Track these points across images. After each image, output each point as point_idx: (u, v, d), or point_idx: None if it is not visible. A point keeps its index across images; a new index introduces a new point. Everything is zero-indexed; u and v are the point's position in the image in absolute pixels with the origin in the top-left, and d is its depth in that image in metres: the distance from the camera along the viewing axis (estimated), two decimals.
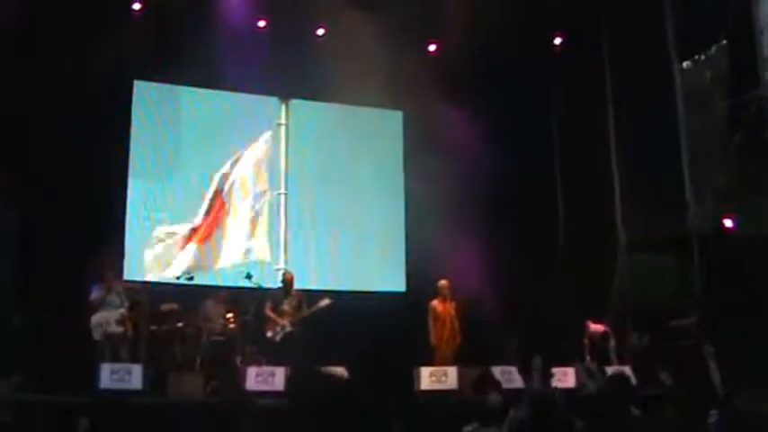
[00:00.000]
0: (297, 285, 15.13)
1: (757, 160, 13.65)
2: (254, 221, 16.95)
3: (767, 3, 13.85)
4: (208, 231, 16.53)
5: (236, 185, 16.81)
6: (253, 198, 16.96)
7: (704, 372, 12.99)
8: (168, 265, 16.10)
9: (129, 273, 15.73)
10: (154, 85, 17.26)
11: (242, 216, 16.85)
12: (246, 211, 16.85)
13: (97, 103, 15.06)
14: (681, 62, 15.84)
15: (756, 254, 13.46)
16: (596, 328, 15.62)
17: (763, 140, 13.54)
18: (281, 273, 15.83)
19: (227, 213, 16.67)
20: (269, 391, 12.40)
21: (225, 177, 16.74)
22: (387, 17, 15.52)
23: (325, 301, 14.60)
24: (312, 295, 14.91)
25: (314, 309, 14.47)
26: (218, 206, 16.56)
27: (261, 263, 16.59)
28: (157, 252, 16.12)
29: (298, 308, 14.51)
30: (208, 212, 16.49)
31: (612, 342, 15.49)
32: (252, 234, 16.91)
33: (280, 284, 15.09)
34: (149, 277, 15.86)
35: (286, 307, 14.51)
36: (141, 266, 16.03)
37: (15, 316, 13.21)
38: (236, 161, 16.94)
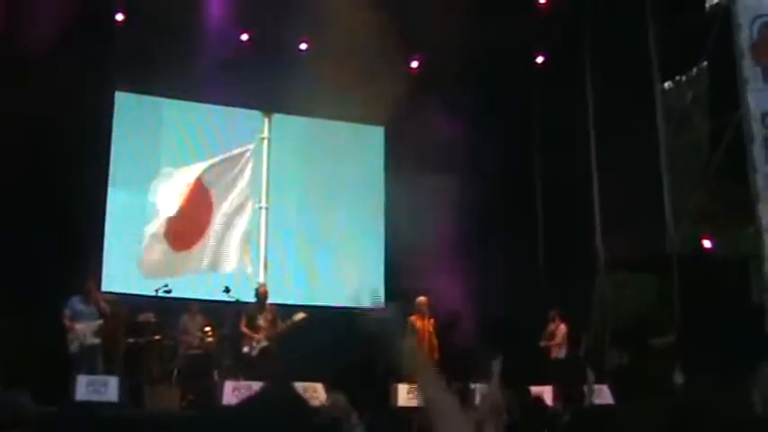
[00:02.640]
0: (276, 300, 15.10)
1: (737, 181, 13.71)
2: (235, 234, 16.90)
3: (747, 26, 13.93)
4: (188, 241, 16.45)
5: (218, 199, 16.76)
6: (234, 212, 16.92)
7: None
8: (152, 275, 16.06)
9: (108, 284, 15.68)
10: (135, 96, 17.23)
11: (223, 229, 16.79)
12: (227, 225, 16.79)
13: (78, 113, 15.01)
14: (662, 83, 15.92)
15: (734, 274, 13.52)
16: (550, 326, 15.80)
17: (742, 161, 13.60)
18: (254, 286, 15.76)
19: (208, 225, 16.60)
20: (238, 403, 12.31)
21: (206, 189, 16.69)
22: (369, 33, 15.53)
23: (300, 315, 14.55)
24: (289, 309, 14.87)
25: (289, 323, 14.40)
26: (197, 211, 16.49)
27: (240, 276, 16.54)
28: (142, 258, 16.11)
29: (273, 322, 14.46)
30: (183, 213, 16.36)
31: (558, 327, 15.63)
32: (233, 247, 16.86)
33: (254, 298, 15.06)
34: (128, 289, 15.78)
35: (261, 322, 14.43)
36: (119, 278, 15.97)
37: None
38: (216, 173, 16.90)
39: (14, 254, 14.16)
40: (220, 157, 16.70)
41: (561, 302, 15.95)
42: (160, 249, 15.51)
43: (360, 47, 15.49)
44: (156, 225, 15.53)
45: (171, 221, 15.58)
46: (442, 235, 16.06)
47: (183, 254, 15.89)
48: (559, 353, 15.68)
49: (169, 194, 15.92)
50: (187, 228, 15.90)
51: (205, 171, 16.30)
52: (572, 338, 15.74)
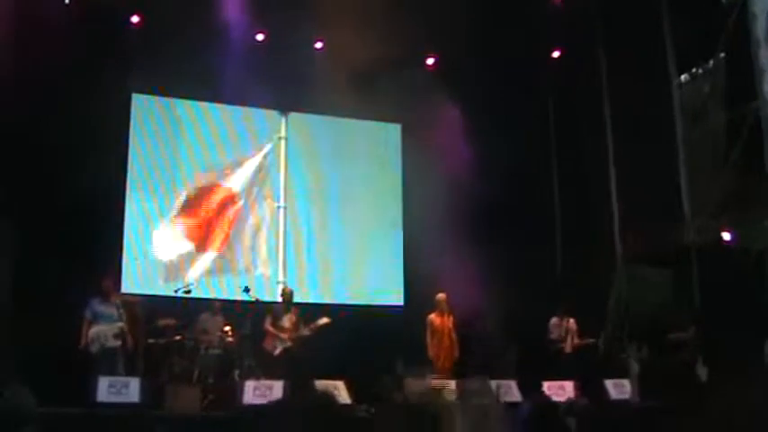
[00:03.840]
0: (295, 299, 15.15)
1: (755, 173, 13.64)
2: (254, 234, 16.96)
3: (764, 16, 13.85)
4: (208, 245, 16.55)
5: (236, 199, 16.82)
6: (253, 212, 16.97)
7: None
8: (171, 277, 16.15)
9: (127, 285, 15.76)
10: (153, 98, 17.29)
11: (242, 229, 16.87)
12: (246, 225, 16.85)
13: (96, 115, 15.06)
14: (679, 75, 15.86)
15: (754, 267, 13.45)
16: (553, 321, 15.74)
17: (760, 153, 13.53)
18: (280, 287, 15.80)
19: (227, 226, 16.67)
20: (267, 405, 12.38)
21: (226, 189, 16.76)
22: (385, 30, 15.52)
23: (324, 320, 14.65)
24: (310, 311, 14.91)
25: (312, 327, 14.48)
26: (214, 213, 16.56)
27: (260, 276, 16.61)
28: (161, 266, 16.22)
29: (296, 325, 14.51)
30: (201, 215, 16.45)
31: (565, 324, 15.61)
32: (252, 247, 16.94)
33: (278, 298, 15.10)
34: (148, 290, 15.86)
35: (286, 323, 14.53)
36: (139, 279, 16.06)
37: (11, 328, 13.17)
38: (234, 174, 16.97)
39: (35, 255, 14.24)
40: (238, 159, 16.80)
41: (579, 297, 15.92)
42: (181, 251, 15.64)
43: (375, 45, 15.48)
44: (177, 229, 15.66)
45: (192, 224, 15.70)
46: (459, 231, 16.05)
47: (206, 254, 16.00)
48: (570, 347, 15.63)
49: (190, 200, 16.07)
50: (209, 230, 16.01)
51: (224, 175, 16.43)
52: (586, 333, 15.71)
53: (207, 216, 16.64)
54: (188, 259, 16.38)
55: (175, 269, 16.33)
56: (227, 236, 16.72)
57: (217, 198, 16.83)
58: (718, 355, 13.03)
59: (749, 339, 12.22)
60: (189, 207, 16.59)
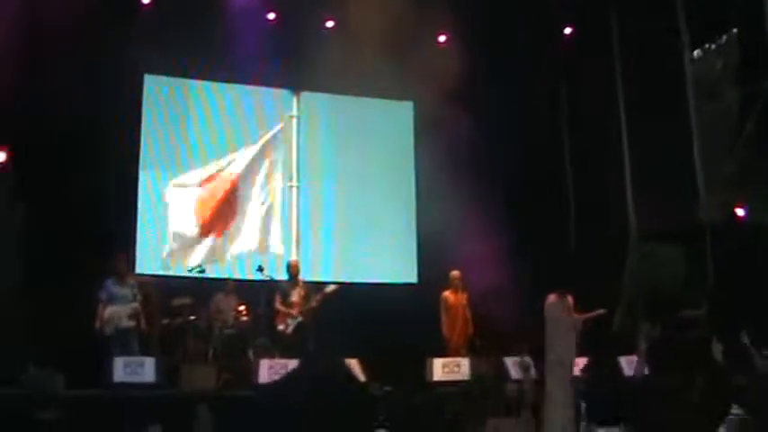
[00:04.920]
0: (309, 277, 15.22)
1: None
2: (266, 214, 16.99)
3: None
4: (220, 223, 16.58)
5: (247, 176, 16.84)
6: (265, 191, 16.99)
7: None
8: (185, 257, 16.19)
9: (141, 266, 15.82)
10: (164, 78, 17.31)
11: (254, 209, 16.90)
12: (259, 204, 16.88)
13: (108, 97, 15.10)
14: (691, 51, 15.79)
15: (766, 243, 13.44)
16: (549, 298, 15.74)
17: None
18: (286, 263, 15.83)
19: (238, 203, 16.70)
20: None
21: (236, 173, 16.77)
22: (396, 8, 15.48)
23: (332, 287, 14.69)
24: (321, 286, 14.95)
25: (321, 296, 14.49)
26: (225, 195, 16.58)
27: (274, 255, 16.64)
28: (174, 246, 16.25)
29: (306, 297, 14.54)
30: (212, 199, 16.49)
31: (566, 301, 15.60)
32: (265, 227, 16.97)
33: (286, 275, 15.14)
34: (162, 271, 15.92)
35: (294, 297, 14.56)
36: (153, 260, 16.12)
37: (25, 311, 13.22)
38: (246, 154, 16.99)
39: (49, 237, 14.29)
40: (249, 140, 16.84)
41: (593, 275, 15.88)
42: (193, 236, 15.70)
43: (386, 22, 15.45)
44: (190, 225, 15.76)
45: (204, 212, 15.79)
46: (472, 208, 16.06)
47: (219, 238, 16.06)
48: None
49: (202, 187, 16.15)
50: (219, 219, 16.05)
51: (235, 159, 16.49)
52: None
53: (219, 202, 16.63)
54: (201, 244, 16.41)
55: (188, 252, 16.38)
56: (237, 217, 16.73)
57: (228, 182, 16.82)
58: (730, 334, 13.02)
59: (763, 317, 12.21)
60: (201, 195, 16.58)
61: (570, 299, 15.53)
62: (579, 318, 13.53)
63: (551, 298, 15.73)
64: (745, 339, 11.31)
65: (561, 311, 14.99)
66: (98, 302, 13.13)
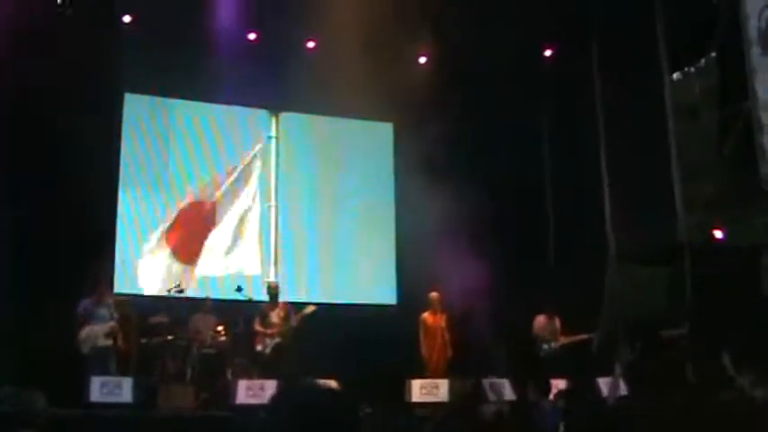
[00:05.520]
0: (287, 298, 15.16)
1: (747, 171, 13.68)
2: (243, 234, 16.89)
3: (756, 16, 13.89)
4: (196, 245, 16.43)
5: (226, 198, 16.75)
6: (243, 211, 16.91)
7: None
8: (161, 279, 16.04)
9: (120, 286, 15.73)
10: (144, 97, 17.27)
11: (231, 229, 16.80)
12: (236, 224, 16.79)
13: (88, 115, 15.03)
14: (671, 74, 15.87)
15: (745, 265, 13.49)
16: (539, 319, 15.76)
17: (752, 151, 13.57)
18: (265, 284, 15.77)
19: (216, 225, 16.59)
20: (259, 404, 12.42)
21: (215, 188, 16.65)
22: (376, 29, 15.51)
23: (311, 308, 14.72)
24: (301, 307, 14.92)
25: (300, 317, 14.47)
26: (203, 216, 16.43)
27: (252, 276, 16.56)
28: (149, 267, 16.07)
29: (285, 318, 14.51)
30: (188, 222, 16.31)
31: (556, 323, 15.63)
32: (242, 247, 16.87)
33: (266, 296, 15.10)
34: (141, 290, 15.82)
35: (274, 318, 14.54)
36: (132, 279, 16.01)
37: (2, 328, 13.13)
38: (226, 174, 16.91)
39: (27, 255, 14.22)
40: (228, 162, 16.76)
41: (572, 297, 15.92)
42: (167, 265, 15.52)
43: (367, 43, 15.49)
44: (162, 243, 15.60)
45: (176, 238, 15.66)
46: (452, 230, 16.06)
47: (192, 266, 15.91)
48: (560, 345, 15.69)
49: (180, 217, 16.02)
50: (195, 241, 15.88)
51: (213, 181, 16.38)
52: (575, 332, 15.75)
53: (195, 225, 16.43)
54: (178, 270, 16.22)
55: (166, 270, 16.24)
56: (215, 238, 16.60)
57: (206, 205, 16.64)
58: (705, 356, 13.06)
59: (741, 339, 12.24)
60: (177, 224, 16.40)
61: (558, 321, 15.60)
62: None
63: (540, 319, 15.80)
64: (726, 360, 11.31)
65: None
66: (75, 322, 13.05)
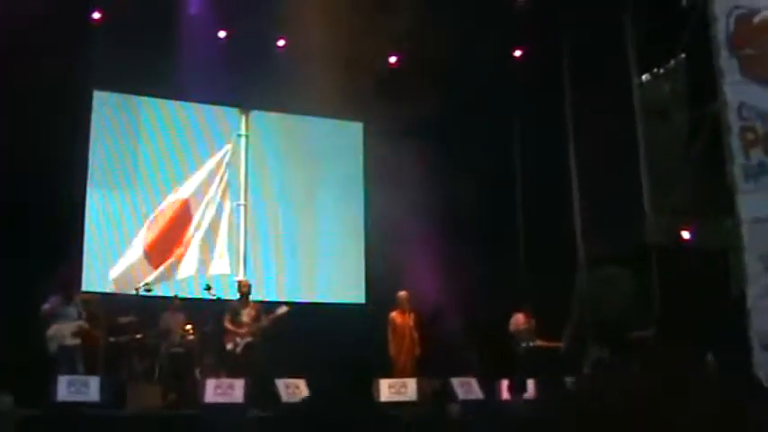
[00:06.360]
0: (256, 297, 15.11)
1: (715, 173, 13.73)
2: (213, 233, 16.81)
3: (724, 18, 13.95)
4: (167, 245, 16.33)
5: (196, 197, 16.66)
6: (212, 210, 16.83)
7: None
8: (133, 280, 15.91)
9: (88, 284, 15.64)
10: (113, 95, 17.16)
11: (202, 228, 16.72)
12: (206, 224, 16.70)
13: (56, 113, 14.94)
14: (640, 76, 15.94)
15: (714, 266, 13.55)
16: (518, 317, 15.80)
17: (721, 153, 13.63)
18: (237, 282, 15.73)
19: (187, 225, 16.50)
20: (228, 403, 12.39)
21: (185, 187, 16.58)
22: (347, 28, 15.48)
23: (283, 309, 14.64)
24: (270, 306, 14.89)
25: (272, 317, 14.44)
26: (174, 217, 16.33)
27: (221, 275, 16.50)
28: (120, 269, 15.96)
29: (256, 318, 14.47)
30: (161, 223, 16.22)
31: (533, 322, 15.69)
32: (212, 246, 16.79)
33: (237, 295, 15.05)
34: (109, 289, 15.72)
35: (245, 318, 14.48)
36: (99, 278, 15.92)
37: None
38: (195, 172, 16.84)
39: None
40: (198, 161, 16.71)
41: (541, 298, 15.96)
42: (141, 269, 15.48)
43: (337, 43, 15.46)
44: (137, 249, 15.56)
45: (149, 238, 15.62)
46: (422, 231, 16.07)
47: (163, 267, 15.84)
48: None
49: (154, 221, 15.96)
50: (166, 242, 15.84)
51: (183, 181, 16.33)
52: (546, 334, 15.79)
53: (166, 226, 16.32)
54: (148, 270, 16.08)
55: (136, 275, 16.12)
56: (188, 235, 16.51)
57: (176, 204, 16.53)
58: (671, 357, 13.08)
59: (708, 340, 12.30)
60: (150, 224, 16.28)
61: (534, 322, 15.65)
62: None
63: (519, 317, 15.82)
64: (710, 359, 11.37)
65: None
66: (42, 320, 12.95)
